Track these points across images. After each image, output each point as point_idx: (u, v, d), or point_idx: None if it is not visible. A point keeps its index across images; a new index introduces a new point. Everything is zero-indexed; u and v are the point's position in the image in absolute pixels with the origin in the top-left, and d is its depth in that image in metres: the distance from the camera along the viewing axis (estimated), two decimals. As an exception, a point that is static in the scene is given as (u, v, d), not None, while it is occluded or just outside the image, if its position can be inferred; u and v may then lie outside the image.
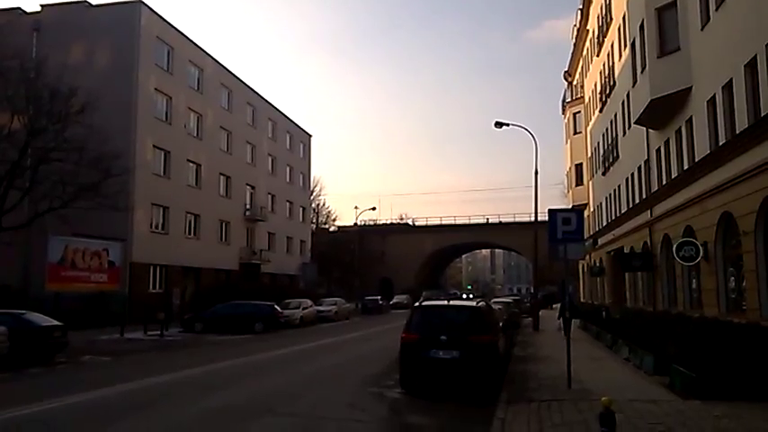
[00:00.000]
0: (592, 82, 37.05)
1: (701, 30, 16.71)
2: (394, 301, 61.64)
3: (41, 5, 36.06)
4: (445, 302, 13.00)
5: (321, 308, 38.39)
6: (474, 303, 12.84)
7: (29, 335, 16.07)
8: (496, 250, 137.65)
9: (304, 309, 34.39)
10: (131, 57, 34.16)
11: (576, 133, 43.40)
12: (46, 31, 33.89)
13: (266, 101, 52.29)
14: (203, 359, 17.67)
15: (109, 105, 30.01)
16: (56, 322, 17.53)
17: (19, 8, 35.82)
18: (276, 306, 30.18)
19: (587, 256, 38.09)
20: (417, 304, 12.33)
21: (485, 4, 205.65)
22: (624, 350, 15.89)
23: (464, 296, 79.37)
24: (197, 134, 40.56)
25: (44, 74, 26.76)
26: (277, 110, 54.66)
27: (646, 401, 9.49)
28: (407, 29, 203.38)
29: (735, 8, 14.55)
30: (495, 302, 23.95)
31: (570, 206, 41.41)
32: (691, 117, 17.90)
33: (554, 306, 47.26)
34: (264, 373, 14.97)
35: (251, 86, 49.32)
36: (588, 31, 37.92)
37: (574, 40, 43.74)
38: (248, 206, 47.52)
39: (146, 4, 35.27)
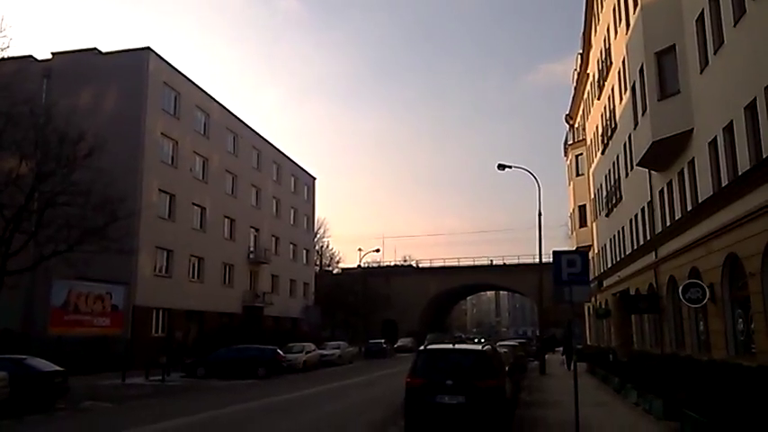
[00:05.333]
0: (593, 124, 37.42)
1: (701, 73, 16.94)
2: (398, 344, 61.00)
3: (52, 53, 36.82)
4: (450, 346, 12.83)
5: (324, 352, 38.03)
6: (479, 347, 12.70)
7: (29, 381, 15.92)
8: (501, 292, 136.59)
9: (307, 353, 34.01)
10: (139, 102, 34.73)
11: (578, 175, 43.67)
12: (56, 78, 34.56)
13: (271, 144, 52.84)
14: (204, 406, 17.41)
15: (116, 149, 30.24)
16: (57, 367, 17.39)
17: (31, 56, 36.51)
18: (279, 350, 29.87)
19: (593, 298, 37.79)
20: (422, 348, 12.17)
21: (481, 49, 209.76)
22: (633, 394, 15.64)
23: (475, 340, 78.36)
24: (202, 177, 40.91)
25: (53, 119, 27.04)
26: (282, 153, 55.17)
27: (657, 448, 9.28)
28: (409, 73, 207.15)
29: (732, 52, 14.77)
30: (501, 346, 23.66)
31: (574, 247, 41.36)
32: (693, 158, 17.99)
33: (557, 349, 46.64)
34: (265, 419, 14.72)
35: (256, 130, 49.94)
36: (588, 75, 38.52)
37: (574, 83, 44.40)
38: (252, 249, 47.48)
39: (154, 51, 36.03)
